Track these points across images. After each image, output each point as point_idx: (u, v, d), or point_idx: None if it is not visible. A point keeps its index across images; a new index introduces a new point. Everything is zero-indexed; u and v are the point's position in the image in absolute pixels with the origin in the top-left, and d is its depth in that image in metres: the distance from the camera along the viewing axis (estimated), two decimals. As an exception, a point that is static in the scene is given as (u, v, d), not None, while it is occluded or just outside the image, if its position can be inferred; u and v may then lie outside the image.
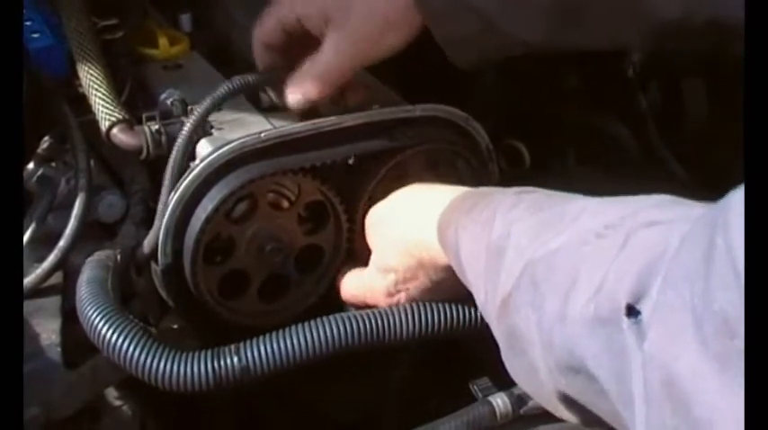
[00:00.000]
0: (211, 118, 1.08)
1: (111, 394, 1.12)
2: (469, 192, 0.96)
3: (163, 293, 1.08)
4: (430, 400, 1.21)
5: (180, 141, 1.03)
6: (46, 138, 1.11)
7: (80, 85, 1.13)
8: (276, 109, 1.11)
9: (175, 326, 1.10)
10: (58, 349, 1.04)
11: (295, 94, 1.05)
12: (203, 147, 1.05)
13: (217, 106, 1.04)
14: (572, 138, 1.36)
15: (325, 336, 0.95)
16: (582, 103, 1.38)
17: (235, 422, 1.28)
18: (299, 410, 1.30)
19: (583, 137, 1.36)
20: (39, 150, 1.10)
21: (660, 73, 1.29)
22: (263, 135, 1.03)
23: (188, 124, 1.03)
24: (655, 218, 0.67)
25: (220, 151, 1.01)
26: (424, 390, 1.26)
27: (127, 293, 1.03)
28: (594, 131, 1.36)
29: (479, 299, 0.85)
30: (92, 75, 1.12)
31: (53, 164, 1.11)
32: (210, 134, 1.06)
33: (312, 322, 0.96)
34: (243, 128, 1.06)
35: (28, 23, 1.13)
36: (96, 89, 1.10)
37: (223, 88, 1.03)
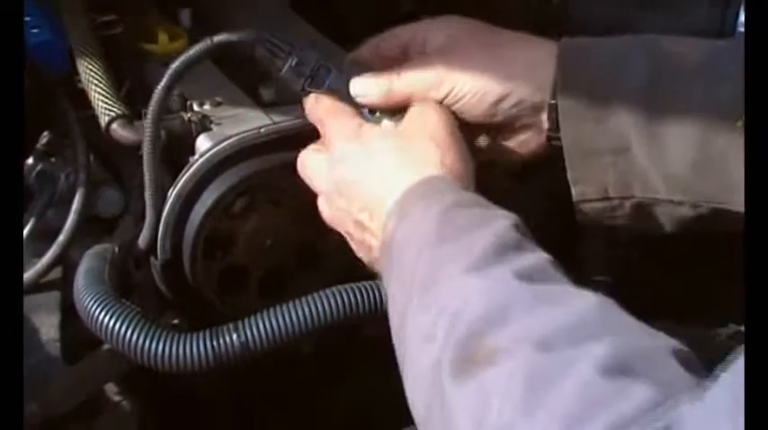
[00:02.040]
0: (211, 113, 1.08)
1: (111, 390, 1.12)
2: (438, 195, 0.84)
3: (162, 288, 1.08)
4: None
5: (158, 91, 0.99)
6: (45, 133, 1.10)
7: (80, 81, 1.12)
8: (276, 104, 1.10)
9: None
10: (58, 344, 1.04)
11: (359, 87, 0.97)
12: (202, 143, 1.05)
13: (197, 60, 0.99)
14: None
15: (323, 309, 0.95)
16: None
17: (234, 418, 1.28)
18: (298, 409, 1.30)
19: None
20: (38, 145, 1.10)
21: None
22: (262, 130, 1.03)
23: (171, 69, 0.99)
24: None
25: (220, 146, 1.02)
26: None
27: (125, 287, 1.03)
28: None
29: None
30: (91, 70, 1.11)
31: (53, 159, 1.11)
32: (210, 129, 1.06)
33: (309, 296, 0.97)
34: (242, 123, 1.06)
35: (27, 19, 1.13)
36: (96, 85, 1.10)
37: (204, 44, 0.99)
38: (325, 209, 0.95)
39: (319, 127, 0.97)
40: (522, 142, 0.97)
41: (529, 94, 0.94)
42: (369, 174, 0.90)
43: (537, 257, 0.75)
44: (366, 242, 0.91)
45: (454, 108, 0.95)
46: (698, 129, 0.89)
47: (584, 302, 0.67)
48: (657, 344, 0.63)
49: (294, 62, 0.97)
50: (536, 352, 0.63)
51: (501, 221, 0.78)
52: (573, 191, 0.94)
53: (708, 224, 0.93)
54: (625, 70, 0.92)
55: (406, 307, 0.76)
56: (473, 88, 0.94)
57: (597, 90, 0.92)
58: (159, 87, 0.98)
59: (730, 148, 0.88)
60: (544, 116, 0.95)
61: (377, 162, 0.90)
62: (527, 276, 0.71)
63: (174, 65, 0.98)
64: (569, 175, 0.94)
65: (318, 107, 0.97)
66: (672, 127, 0.90)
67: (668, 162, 0.90)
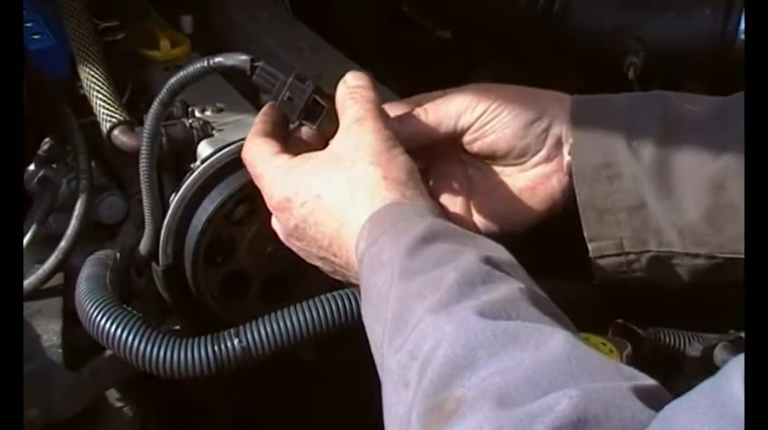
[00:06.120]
0: (212, 119, 1.08)
1: (112, 396, 1.12)
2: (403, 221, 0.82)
3: (164, 294, 1.08)
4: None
5: (154, 106, 0.97)
6: (47, 139, 1.11)
7: (81, 87, 1.13)
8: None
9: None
10: (59, 350, 1.04)
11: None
12: (204, 149, 1.05)
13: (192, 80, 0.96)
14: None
15: (324, 314, 0.96)
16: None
17: (235, 423, 1.28)
18: (298, 414, 1.30)
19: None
20: (40, 152, 1.10)
21: (661, 74, 1.29)
22: (263, 136, 1.02)
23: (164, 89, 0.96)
24: None
25: (221, 153, 1.02)
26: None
27: (127, 293, 1.03)
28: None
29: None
30: (93, 76, 1.12)
31: (54, 165, 1.11)
32: (211, 136, 1.06)
33: (310, 301, 0.97)
34: (244, 129, 1.06)
35: (29, 25, 1.13)
36: (97, 91, 1.11)
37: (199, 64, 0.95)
38: (291, 247, 0.93)
39: (255, 180, 0.93)
40: (541, 192, 0.97)
41: (557, 121, 0.95)
42: (319, 212, 0.87)
43: (507, 289, 0.73)
44: (338, 272, 0.90)
45: (485, 129, 0.95)
46: (709, 179, 0.90)
47: (551, 342, 0.67)
48: (619, 385, 0.63)
49: (287, 96, 0.92)
50: (498, 407, 0.62)
51: (468, 256, 0.76)
52: (589, 247, 0.95)
53: (725, 273, 0.94)
54: (638, 124, 0.93)
55: (382, 345, 0.76)
56: (507, 107, 0.94)
57: (610, 147, 0.93)
58: (155, 102, 0.97)
59: (741, 197, 0.89)
60: (561, 161, 0.96)
61: (324, 198, 0.87)
62: (492, 313, 0.70)
63: (170, 82, 0.95)
64: (585, 234, 0.95)
65: (247, 160, 0.93)
66: (684, 179, 0.91)
67: (682, 215, 0.91)
